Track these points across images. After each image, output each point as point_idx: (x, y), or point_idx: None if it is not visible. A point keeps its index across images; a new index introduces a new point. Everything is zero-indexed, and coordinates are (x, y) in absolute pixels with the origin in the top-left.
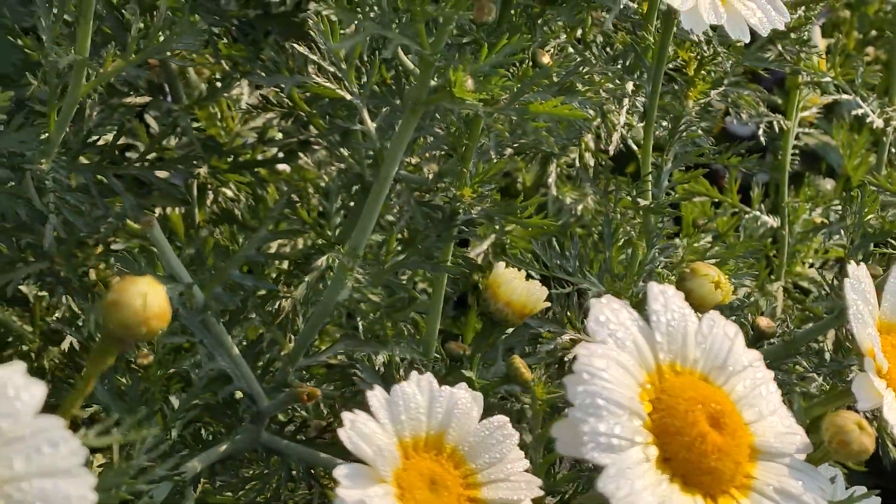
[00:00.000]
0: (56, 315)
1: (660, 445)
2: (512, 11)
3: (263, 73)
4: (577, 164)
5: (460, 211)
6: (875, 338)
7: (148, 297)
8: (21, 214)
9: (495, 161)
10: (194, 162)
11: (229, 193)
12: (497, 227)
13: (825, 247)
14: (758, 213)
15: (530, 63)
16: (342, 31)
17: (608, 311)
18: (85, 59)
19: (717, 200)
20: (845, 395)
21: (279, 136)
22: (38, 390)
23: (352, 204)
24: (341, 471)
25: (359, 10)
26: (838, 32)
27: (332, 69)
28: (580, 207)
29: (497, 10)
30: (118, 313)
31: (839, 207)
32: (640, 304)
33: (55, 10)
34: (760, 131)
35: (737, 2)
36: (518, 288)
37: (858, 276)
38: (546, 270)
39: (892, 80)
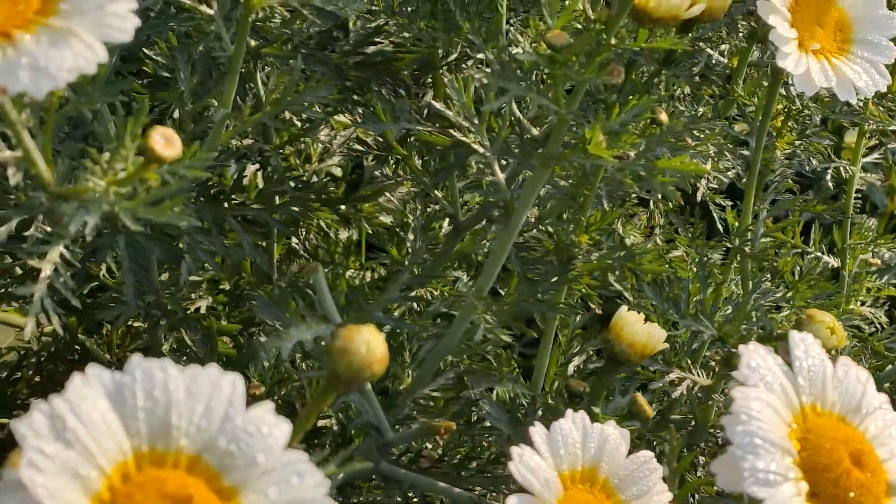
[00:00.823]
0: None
1: (808, 481)
2: (633, 73)
3: (372, 121)
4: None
5: (578, 255)
6: None
7: (370, 345)
8: (158, 254)
9: (609, 210)
10: (307, 203)
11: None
12: (617, 272)
13: (877, 285)
14: (819, 253)
15: (649, 120)
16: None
17: (757, 358)
18: (229, 112)
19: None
20: None
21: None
22: (285, 427)
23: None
24: (512, 500)
25: (505, 76)
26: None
27: (465, 123)
28: (674, 253)
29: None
30: (346, 359)
31: (891, 245)
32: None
33: (191, 66)
34: (829, 176)
35: (843, 66)
36: (640, 330)
37: None
38: (658, 312)
39: None
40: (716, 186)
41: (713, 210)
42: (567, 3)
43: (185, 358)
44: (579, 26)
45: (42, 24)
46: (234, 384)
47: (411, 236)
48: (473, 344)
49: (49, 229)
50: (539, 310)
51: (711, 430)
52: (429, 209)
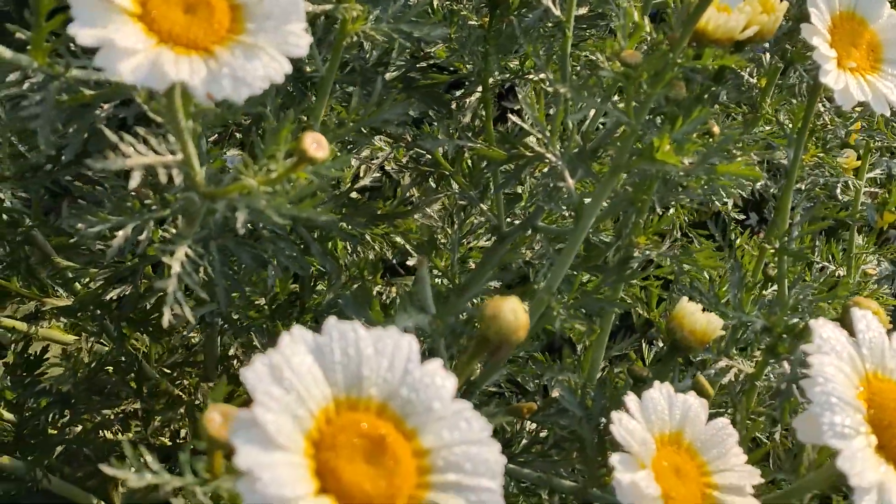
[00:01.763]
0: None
1: (877, 435)
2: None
3: (430, 138)
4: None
5: (635, 254)
6: None
7: (517, 312)
8: (247, 260)
9: (661, 215)
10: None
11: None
12: (676, 266)
13: (876, 293)
14: (825, 262)
15: (702, 132)
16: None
17: (828, 330)
18: (320, 127)
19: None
20: None
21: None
22: (453, 380)
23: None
24: (615, 458)
25: (585, 91)
26: None
27: (539, 135)
28: None
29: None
30: (496, 324)
31: (891, 257)
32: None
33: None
34: (838, 190)
35: (877, 82)
36: (700, 319)
37: None
38: (710, 306)
39: None
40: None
41: (728, 222)
42: (632, 26)
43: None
44: (645, 47)
45: (234, 40)
46: (411, 344)
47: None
48: (549, 334)
49: (173, 231)
50: (601, 305)
51: (752, 417)
52: (467, 222)
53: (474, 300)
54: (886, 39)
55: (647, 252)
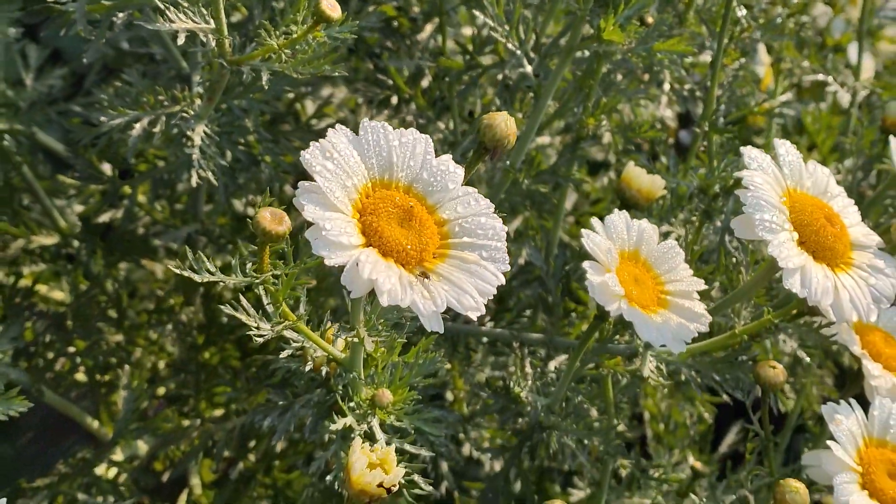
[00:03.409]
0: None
1: (798, 232)
2: None
3: (395, 59)
4: None
5: (585, 135)
6: None
7: (507, 122)
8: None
9: (605, 99)
10: None
11: None
12: (616, 157)
13: None
14: None
15: (637, 21)
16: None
17: (755, 153)
18: None
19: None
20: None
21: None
22: (462, 170)
23: None
24: (586, 264)
25: None
26: None
27: (499, 29)
28: None
29: None
30: (491, 131)
31: None
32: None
33: None
34: (753, 104)
35: None
36: (645, 180)
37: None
38: (654, 170)
39: (858, 58)
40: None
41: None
42: None
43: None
44: None
45: None
46: (428, 140)
47: None
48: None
49: (192, 112)
50: (556, 179)
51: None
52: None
53: None
54: None
55: (598, 131)
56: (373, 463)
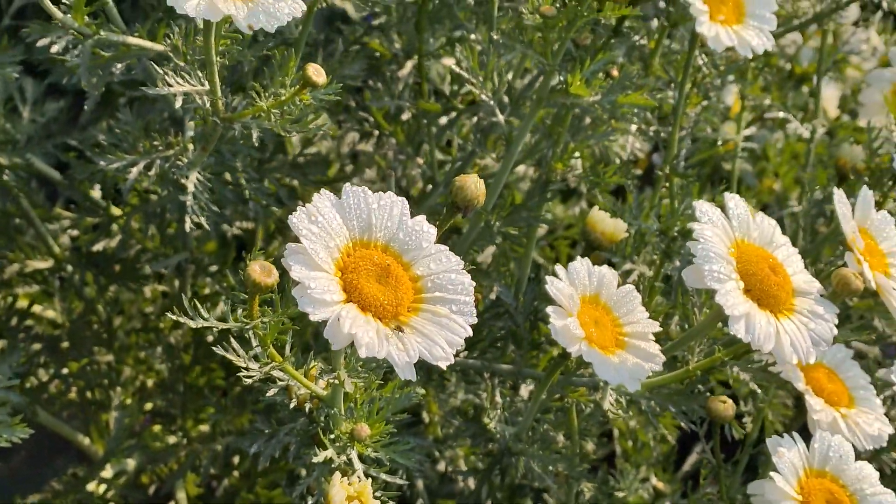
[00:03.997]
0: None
1: (744, 281)
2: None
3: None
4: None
5: (554, 179)
6: (856, 231)
7: (477, 184)
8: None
9: (573, 145)
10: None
11: None
12: (587, 188)
13: None
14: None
15: (603, 74)
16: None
17: (706, 206)
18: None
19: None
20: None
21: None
22: (434, 229)
23: None
24: (550, 309)
25: (512, 39)
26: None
27: (474, 80)
28: None
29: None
30: (462, 192)
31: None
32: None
33: None
34: (720, 141)
35: (742, 31)
36: (609, 224)
37: (840, 195)
38: (617, 215)
39: (815, 98)
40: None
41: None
42: None
43: (224, 297)
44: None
45: None
46: (404, 202)
47: None
48: (489, 240)
49: (186, 160)
50: (527, 220)
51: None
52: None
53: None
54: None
55: (566, 175)
56: (350, 496)
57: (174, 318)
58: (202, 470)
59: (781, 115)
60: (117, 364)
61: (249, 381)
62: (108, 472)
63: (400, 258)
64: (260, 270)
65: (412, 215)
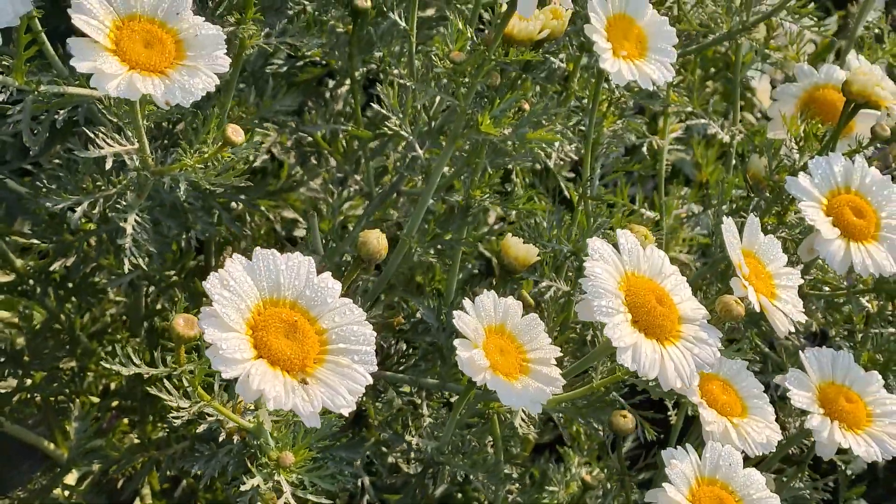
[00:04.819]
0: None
1: (632, 313)
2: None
3: (311, 125)
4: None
5: (473, 205)
6: (741, 258)
7: (380, 239)
8: (173, 226)
9: (491, 173)
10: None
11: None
12: (503, 212)
13: (692, 235)
14: (643, 209)
15: (517, 108)
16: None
17: (598, 244)
18: (224, 119)
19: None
20: (728, 290)
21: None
22: (339, 285)
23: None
24: (457, 342)
25: (426, 83)
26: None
27: (395, 118)
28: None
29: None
30: (366, 247)
31: (695, 206)
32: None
33: None
34: (644, 148)
35: (643, 65)
36: (521, 249)
37: (728, 224)
38: (532, 239)
39: (734, 106)
40: (563, 161)
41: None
42: (460, 31)
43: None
44: (469, 47)
45: (181, 64)
46: (310, 261)
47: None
48: (409, 267)
49: (124, 203)
50: (449, 243)
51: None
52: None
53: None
54: (650, 33)
55: (483, 202)
56: None
57: (109, 366)
58: (160, 472)
59: (702, 121)
60: (80, 371)
61: (178, 421)
62: (72, 478)
63: (307, 313)
64: (184, 324)
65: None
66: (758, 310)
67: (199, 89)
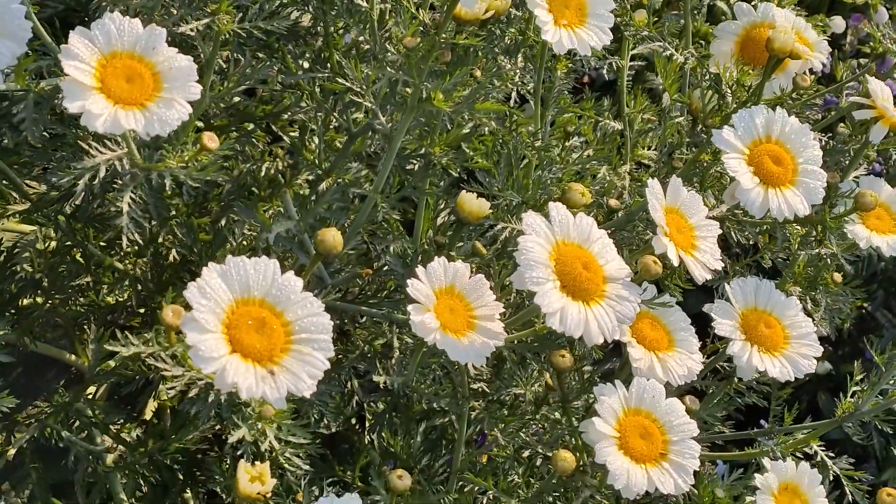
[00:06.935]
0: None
1: (560, 280)
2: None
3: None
4: None
5: (433, 161)
6: (662, 217)
7: (335, 237)
8: None
9: (450, 131)
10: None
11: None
12: (458, 168)
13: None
14: (608, 121)
15: (469, 76)
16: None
17: (531, 218)
18: (208, 95)
19: (580, 114)
20: (650, 247)
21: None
22: (301, 281)
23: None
24: (410, 307)
25: (385, 66)
26: None
27: (358, 89)
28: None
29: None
30: (323, 244)
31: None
32: (541, 208)
33: None
34: (605, 69)
35: (582, 32)
36: (475, 203)
37: (653, 185)
38: (487, 189)
39: (686, 30)
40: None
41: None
42: (416, 17)
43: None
44: (422, 29)
45: (158, 96)
46: (275, 263)
47: (316, 140)
48: (377, 222)
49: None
50: (415, 194)
51: None
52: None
53: (325, 206)
54: (590, 1)
55: (440, 159)
56: (253, 477)
57: (110, 348)
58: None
59: (657, 45)
60: (95, 285)
61: (173, 391)
62: (92, 390)
63: (273, 309)
64: (172, 314)
65: None
66: (676, 264)
67: (175, 119)
